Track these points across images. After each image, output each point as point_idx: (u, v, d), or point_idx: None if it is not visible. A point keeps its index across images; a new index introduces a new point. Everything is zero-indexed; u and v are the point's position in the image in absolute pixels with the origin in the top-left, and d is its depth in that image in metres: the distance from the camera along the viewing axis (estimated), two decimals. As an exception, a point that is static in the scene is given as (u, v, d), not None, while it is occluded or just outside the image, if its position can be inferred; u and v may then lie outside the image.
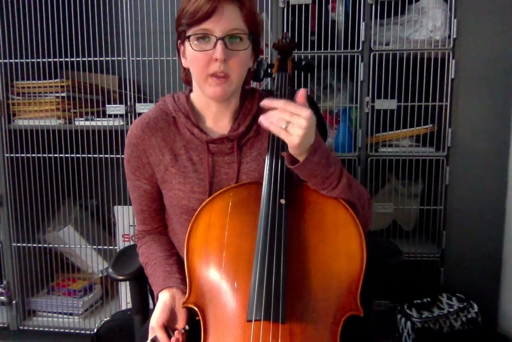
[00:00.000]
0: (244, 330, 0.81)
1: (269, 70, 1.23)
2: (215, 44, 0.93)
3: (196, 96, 1.08)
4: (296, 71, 1.24)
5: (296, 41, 1.76)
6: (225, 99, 1.03)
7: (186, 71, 1.07)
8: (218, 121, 1.07)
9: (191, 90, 1.10)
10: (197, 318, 0.88)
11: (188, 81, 1.09)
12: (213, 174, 1.04)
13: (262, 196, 0.95)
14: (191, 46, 0.96)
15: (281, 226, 0.89)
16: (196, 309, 0.88)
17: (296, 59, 1.23)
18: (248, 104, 1.08)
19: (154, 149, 1.05)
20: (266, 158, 1.01)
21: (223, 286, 0.87)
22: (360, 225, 0.94)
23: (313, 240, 0.91)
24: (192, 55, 0.97)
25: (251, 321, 0.80)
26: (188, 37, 0.96)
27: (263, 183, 0.97)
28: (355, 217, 0.95)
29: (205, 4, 0.92)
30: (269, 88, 1.74)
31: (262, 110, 0.96)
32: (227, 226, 0.93)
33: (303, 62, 1.23)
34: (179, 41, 1.02)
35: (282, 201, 0.93)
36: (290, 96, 1.09)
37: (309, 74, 1.82)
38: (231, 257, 0.90)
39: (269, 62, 1.23)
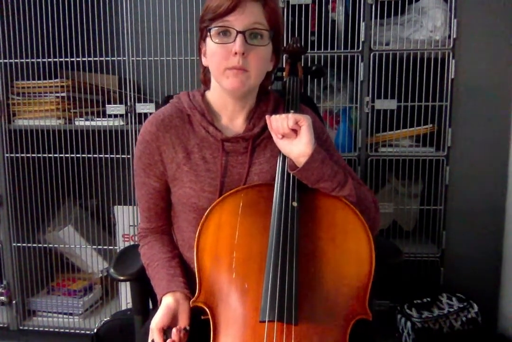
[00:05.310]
0: (256, 331, 0.81)
1: (278, 74, 1.25)
2: (235, 38, 0.94)
3: (214, 94, 1.07)
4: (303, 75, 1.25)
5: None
6: (242, 95, 1.03)
7: (205, 71, 1.07)
8: (233, 120, 1.08)
9: (205, 89, 1.10)
10: (203, 317, 0.89)
11: (205, 81, 1.09)
12: (225, 173, 1.04)
13: (274, 198, 0.95)
14: (211, 40, 0.97)
15: (293, 228, 0.90)
16: (206, 308, 0.88)
17: (306, 64, 1.25)
18: (263, 105, 1.08)
19: (168, 146, 1.05)
20: (278, 160, 1.02)
21: (233, 286, 0.88)
22: (369, 230, 0.95)
23: (323, 243, 0.92)
24: (212, 49, 0.98)
25: (264, 321, 0.80)
26: (210, 30, 0.96)
27: (275, 185, 0.98)
28: (364, 222, 0.96)
29: (227, 0, 0.93)
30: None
31: (277, 112, 1.03)
32: (237, 227, 0.94)
33: (314, 67, 1.25)
34: (200, 40, 1.03)
35: (294, 204, 0.94)
36: (300, 100, 1.11)
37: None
38: (241, 258, 0.90)
39: (279, 66, 1.25)
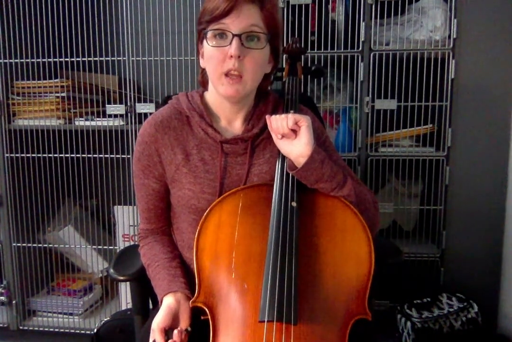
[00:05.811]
0: (255, 330, 0.82)
1: (277, 74, 1.25)
2: (231, 41, 0.94)
3: (211, 96, 1.07)
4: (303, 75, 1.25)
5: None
6: (239, 100, 1.03)
7: (204, 72, 1.07)
8: (231, 122, 1.07)
9: (204, 90, 1.10)
10: (202, 317, 0.89)
11: (204, 83, 1.09)
12: (224, 175, 1.03)
13: (273, 198, 0.95)
14: (208, 43, 0.97)
15: (293, 228, 0.90)
16: (205, 308, 0.88)
17: (306, 64, 1.25)
18: (262, 106, 1.08)
19: (167, 148, 1.05)
20: (278, 161, 1.02)
21: (232, 286, 0.88)
22: (368, 230, 0.95)
23: (323, 243, 0.92)
24: (208, 52, 0.98)
25: (263, 321, 0.80)
26: (206, 33, 0.96)
27: (274, 185, 0.98)
28: (363, 222, 0.96)
29: (223, 2, 0.93)
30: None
31: (276, 112, 1.04)
32: (237, 227, 0.94)
33: (313, 68, 1.25)
34: (198, 41, 1.03)
35: (293, 204, 0.94)
36: (300, 100, 1.11)
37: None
38: (241, 258, 0.90)
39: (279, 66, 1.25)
